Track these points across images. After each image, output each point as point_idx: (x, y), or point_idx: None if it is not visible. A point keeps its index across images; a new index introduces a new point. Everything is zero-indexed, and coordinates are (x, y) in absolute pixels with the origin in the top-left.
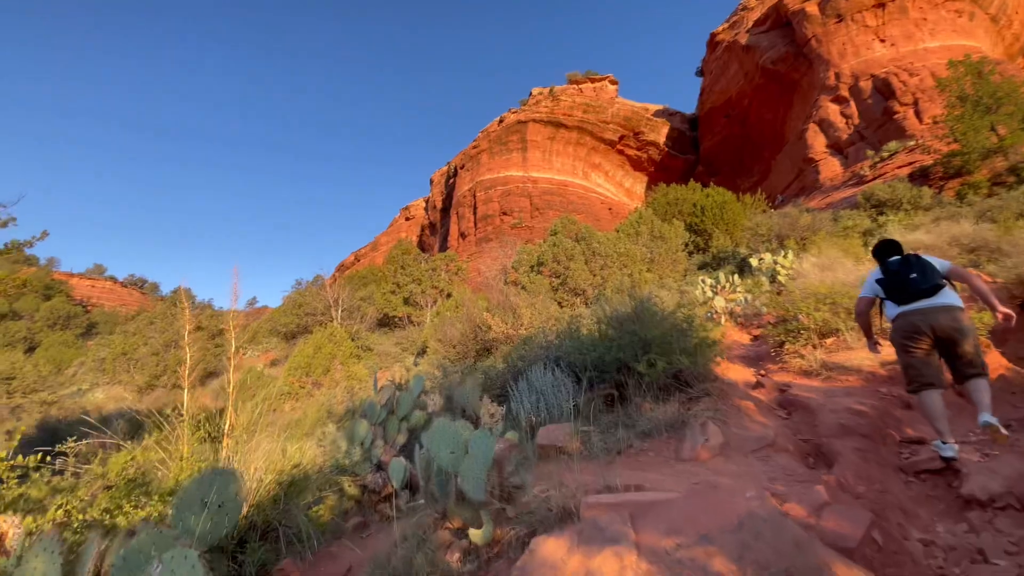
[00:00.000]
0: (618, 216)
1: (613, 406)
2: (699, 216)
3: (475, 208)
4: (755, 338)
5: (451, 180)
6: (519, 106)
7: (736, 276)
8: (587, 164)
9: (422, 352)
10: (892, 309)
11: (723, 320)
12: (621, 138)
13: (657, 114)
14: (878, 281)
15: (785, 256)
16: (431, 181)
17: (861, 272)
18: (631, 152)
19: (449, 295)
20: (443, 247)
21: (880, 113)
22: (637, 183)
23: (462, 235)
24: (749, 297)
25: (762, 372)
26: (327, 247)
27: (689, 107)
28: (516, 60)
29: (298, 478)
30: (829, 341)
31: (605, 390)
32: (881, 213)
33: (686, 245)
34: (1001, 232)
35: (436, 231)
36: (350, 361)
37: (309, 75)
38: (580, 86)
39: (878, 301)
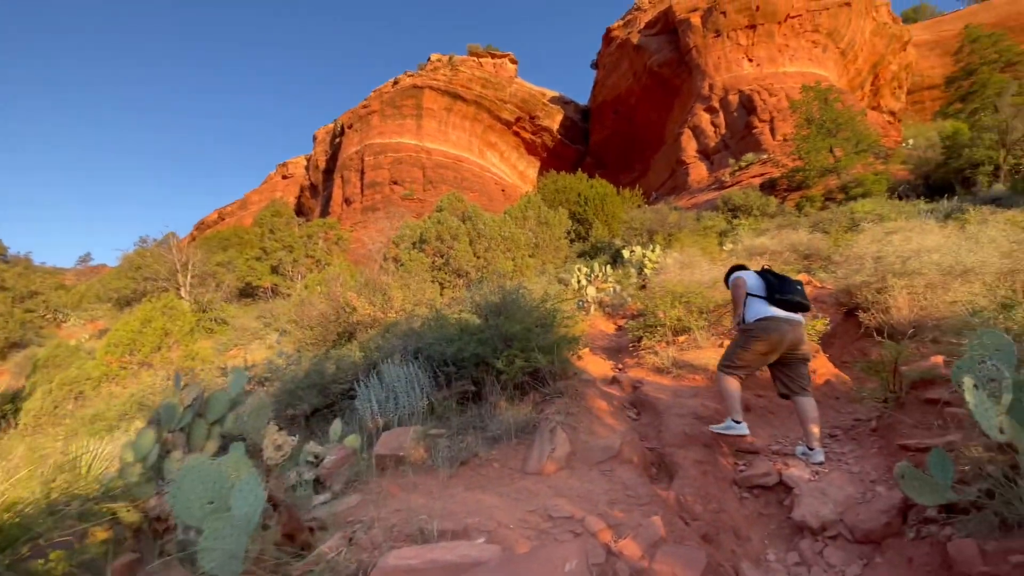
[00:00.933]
0: (511, 198)
1: (469, 405)
2: (583, 206)
3: (363, 173)
4: (619, 328)
5: (337, 139)
6: (416, 70)
7: (609, 267)
8: (483, 142)
9: (286, 330)
10: (763, 307)
11: (592, 309)
12: (517, 120)
13: (553, 101)
14: (760, 275)
15: (653, 250)
16: (314, 138)
17: (715, 273)
18: (526, 135)
19: (326, 266)
20: (324, 213)
21: (743, 126)
22: (530, 167)
23: (347, 201)
24: (618, 287)
25: (619, 367)
26: (195, 200)
27: (583, 98)
28: (413, 21)
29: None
30: (682, 339)
31: (462, 387)
32: (736, 217)
33: (568, 233)
34: (831, 242)
35: (318, 194)
36: (190, 338)
37: (183, 6)
38: (480, 60)
39: (745, 295)
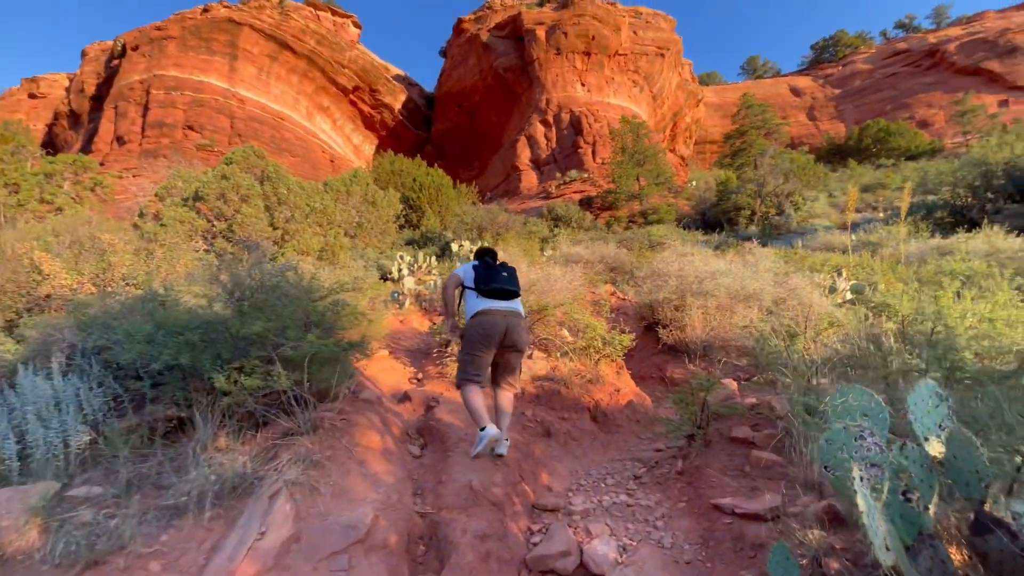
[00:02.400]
0: (340, 171)
1: (176, 437)
2: (417, 192)
3: (147, 109)
4: (434, 325)
5: (116, 62)
6: (237, 1)
7: (434, 258)
8: (313, 104)
9: None
10: (475, 302)
11: (408, 303)
12: (355, 89)
13: (397, 79)
14: (474, 267)
15: (481, 246)
16: (84, 54)
17: (533, 276)
18: (365, 108)
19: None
20: (87, 149)
21: (570, 144)
22: (367, 143)
23: (119, 140)
24: (439, 281)
25: (420, 376)
26: None
27: (429, 84)
28: None
29: None
30: None
31: (162, 413)
32: (557, 226)
33: (398, 218)
34: (635, 258)
35: (80, 125)
36: None
37: None
38: (319, 12)
39: (462, 290)
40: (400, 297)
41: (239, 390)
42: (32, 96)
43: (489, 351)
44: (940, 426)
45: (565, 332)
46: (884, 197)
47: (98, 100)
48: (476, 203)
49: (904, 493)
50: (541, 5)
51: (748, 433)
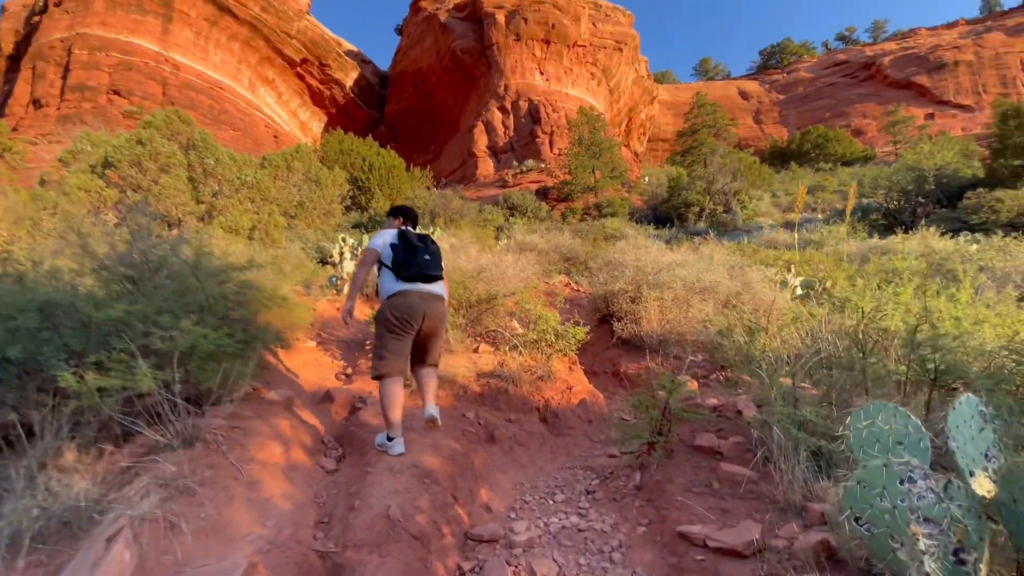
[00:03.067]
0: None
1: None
2: (366, 173)
3: (67, 70)
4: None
5: (36, 18)
6: None
7: None
8: (257, 75)
9: None
10: (391, 283)
11: (346, 288)
12: (303, 61)
13: (350, 54)
14: (392, 246)
15: (433, 232)
16: (3, 10)
17: (484, 261)
18: (313, 83)
19: None
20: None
21: (528, 133)
22: (315, 119)
23: (36, 103)
24: None
25: (348, 371)
26: None
27: (384, 63)
28: None
29: None
30: None
31: None
32: (513, 215)
33: (344, 199)
34: (590, 248)
35: None
36: None
37: None
38: None
39: (378, 265)
40: (339, 282)
41: (89, 391)
42: None
43: (407, 336)
44: (987, 456)
45: (515, 323)
46: (823, 199)
47: (16, 60)
48: (431, 188)
49: (956, 552)
50: None
51: (714, 441)
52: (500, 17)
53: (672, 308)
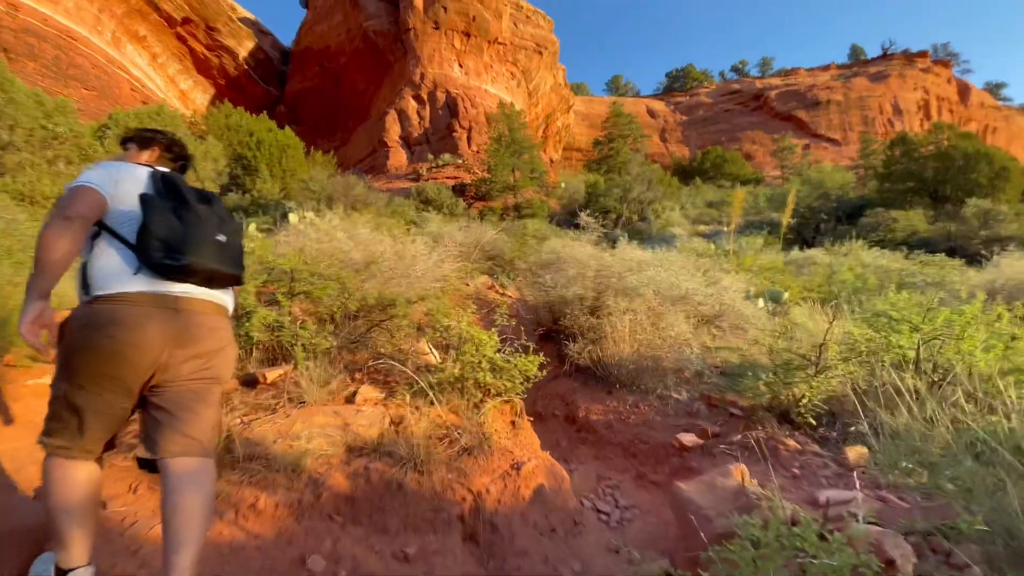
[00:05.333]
0: None
1: None
2: (253, 150)
3: None
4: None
5: None
6: None
7: (254, 228)
8: (124, 29)
9: None
10: (117, 272)
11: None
12: (186, 21)
13: (245, 22)
14: (146, 198)
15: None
16: None
17: (381, 248)
18: (198, 47)
19: None
20: None
21: (445, 126)
22: (199, 90)
23: None
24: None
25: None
26: None
27: (287, 39)
28: None
29: None
30: (276, 372)
31: None
32: (426, 209)
33: (220, 176)
34: (516, 246)
35: None
36: None
37: None
38: None
39: (96, 233)
40: None
41: None
42: None
43: (121, 373)
44: None
45: (426, 347)
46: (727, 213)
47: None
48: (334, 175)
49: None
50: None
51: None
52: (418, 2)
53: (645, 323)
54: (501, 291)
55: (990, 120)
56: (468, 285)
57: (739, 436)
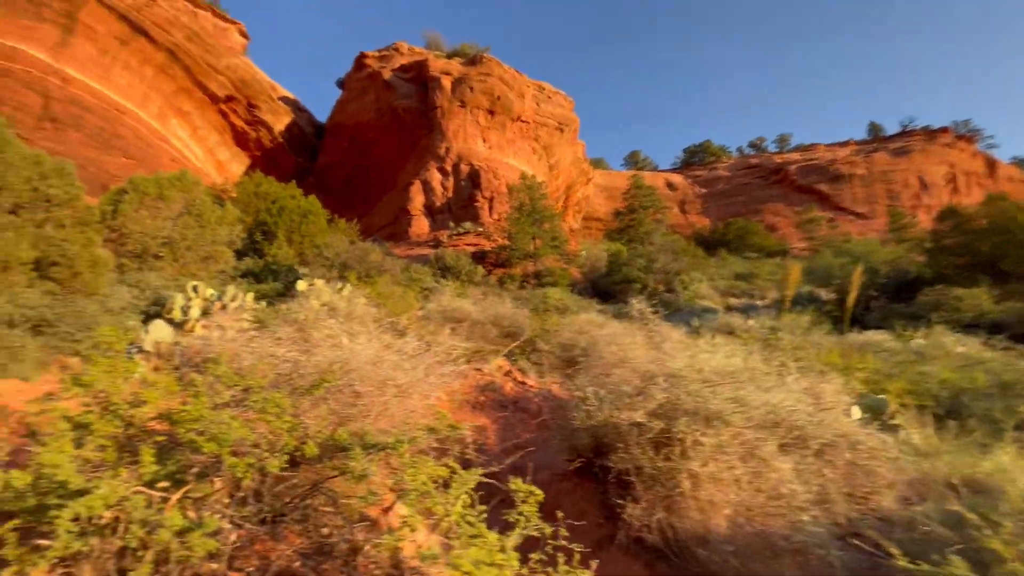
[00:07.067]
0: None
1: None
2: (274, 216)
3: None
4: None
5: None
6: None
7: (250, 295)
8: (170, 105)
9: None
10: None
11: (146, 365)
12: (229, 99)
13: (285, 100)
14: None
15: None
16: None
17: (350, 349)
18: (238, 122)
19: None
20: None
21: (467, 196)
22: (236, 161)
23: None
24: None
25: None
26: None
27: (321, 116)
28: None
29: None
30: None
31: None
32: (444, 276)
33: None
34: (538, 323)
35: None
36: None
37: None
38: (198, 9)
39: None
40: (139, 355)
41: None
42: None
43: None
44: None
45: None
46: (758, 286)
47: None
48: (355, 241)
49: None
50: (448, 59)
51: None
52: (446, 83)
53: (737, 468)
54: (521, 379)
55: (1020, 194)
56: (479, 371)
57: None
